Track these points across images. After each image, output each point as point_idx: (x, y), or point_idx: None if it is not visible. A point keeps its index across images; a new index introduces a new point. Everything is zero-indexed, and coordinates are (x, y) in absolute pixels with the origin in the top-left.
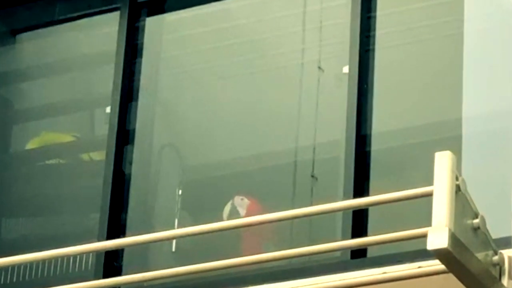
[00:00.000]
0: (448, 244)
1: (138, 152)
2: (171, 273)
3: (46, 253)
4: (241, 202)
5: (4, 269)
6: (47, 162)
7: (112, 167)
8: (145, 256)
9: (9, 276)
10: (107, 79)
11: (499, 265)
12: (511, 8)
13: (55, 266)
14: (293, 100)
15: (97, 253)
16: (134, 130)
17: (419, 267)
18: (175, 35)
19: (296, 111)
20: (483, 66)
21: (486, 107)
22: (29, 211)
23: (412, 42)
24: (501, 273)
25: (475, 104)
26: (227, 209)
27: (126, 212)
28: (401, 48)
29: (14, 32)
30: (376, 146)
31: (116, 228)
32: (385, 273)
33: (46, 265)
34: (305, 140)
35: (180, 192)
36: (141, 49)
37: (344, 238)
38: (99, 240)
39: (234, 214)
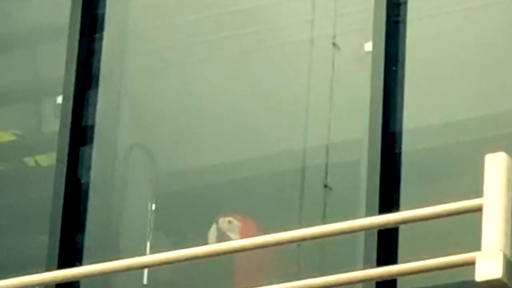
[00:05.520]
0: (503, 274)
1: (98, 155)
2: None
3: None
4: (230, 226)
5: None
6: None
7: (64, 175)
8: None
9: None
10: (58, 61)
11: None
12: None
13: None
14: (301, 87)
15: (45, 286)
16: (93, 126)
17: None
18: (147, 1)
19: (304, 101)
20: None
21: None
22: None
23: (455, 11)
24: None
25: None
26: (212, 235)
27: (82, 232)
28: (441, 19)
29: None
30: (408, 146)
31: (70, 253)
32: None
33: None
34: (316, 140)
35: (153, 206)
36: (102, 21)
37: (367, 266)
38: (48, 270)
39: (223, 241)
